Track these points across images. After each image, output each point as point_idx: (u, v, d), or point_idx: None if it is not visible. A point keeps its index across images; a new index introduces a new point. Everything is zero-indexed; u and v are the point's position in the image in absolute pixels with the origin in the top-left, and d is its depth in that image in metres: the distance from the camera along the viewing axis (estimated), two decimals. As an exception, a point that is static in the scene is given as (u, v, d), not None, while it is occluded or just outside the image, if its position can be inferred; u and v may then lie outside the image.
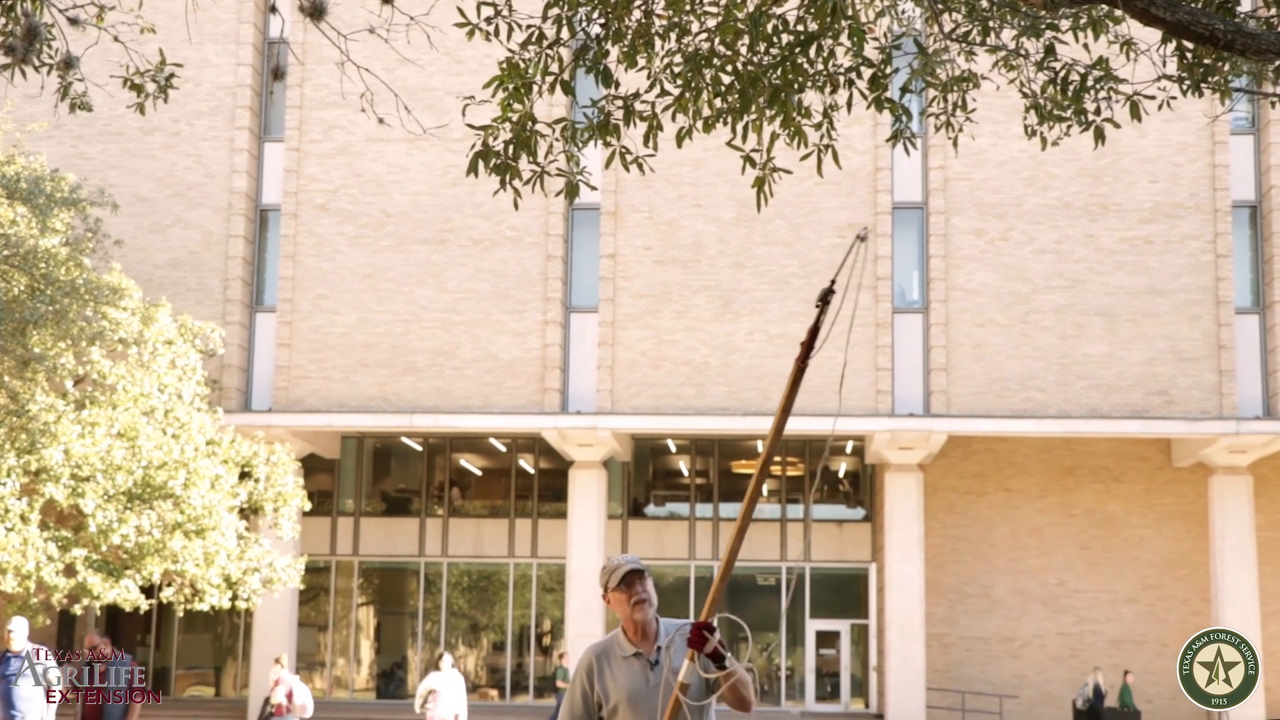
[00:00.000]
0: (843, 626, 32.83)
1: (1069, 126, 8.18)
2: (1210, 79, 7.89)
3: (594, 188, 7.93)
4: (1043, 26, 7.71)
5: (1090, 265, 29.07)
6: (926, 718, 29.29)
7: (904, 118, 7.80)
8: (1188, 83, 7.92)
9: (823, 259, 29.07)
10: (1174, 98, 8.57)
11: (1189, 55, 7.85)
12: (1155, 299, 28.89)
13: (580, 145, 7.75)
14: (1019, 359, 28.91)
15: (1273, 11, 7.85)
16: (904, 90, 8.15)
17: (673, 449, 33.84)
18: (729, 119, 7.58)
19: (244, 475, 25.35)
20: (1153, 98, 8.22)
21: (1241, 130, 29.86)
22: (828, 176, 24.04)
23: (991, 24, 7.92)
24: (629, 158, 7.71)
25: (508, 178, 7.45)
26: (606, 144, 7.66)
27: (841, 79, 7.61)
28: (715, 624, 5.19)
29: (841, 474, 34.40)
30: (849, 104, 7.73)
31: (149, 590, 24.88)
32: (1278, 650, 29.51)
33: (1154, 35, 8.82)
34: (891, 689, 29.06)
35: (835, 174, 27.25)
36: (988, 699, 30.65)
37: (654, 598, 5.45)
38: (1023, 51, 8.13)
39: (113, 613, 32.57)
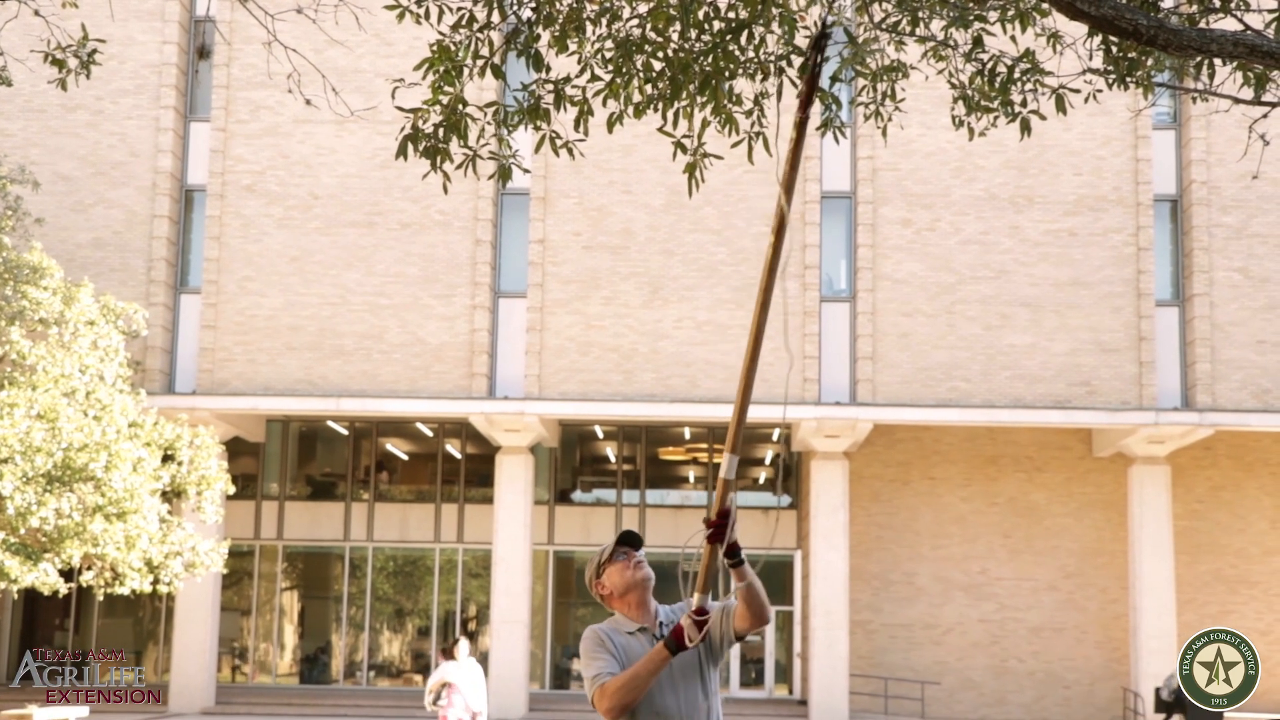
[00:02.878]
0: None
1: (995, 118, 8.25)
2: (1134, 74, 8.00)
3: (526, 170, 7.91)
4: (971, 18, 7.77)
5: (1015, 256, 29.38)
6: (850, 704, 29.54)
7: (833, 106, 7.84)
8: (1113, 76, 8.02)
9: (751, 247, 29.17)
10: (1099, 91, 8.68)
11: (1114, 49, 7.95)
12: (1078, 290, 29.25)
13: (510, 129, 7.73)
14: (944, 349, 29.17)
15: (1194, 8, 7.96)
16: (833, 79, 8.20)
17: (600, 435, 33.86)
18: (660, 105, 7.59)
19: (167, 458, 25.07)
20: (1078, 91, 8.32)
21: (1164, 125, 30.29)
22: (757, 165, 24.14)
23: (921, 14, 7.98)
24: (559, 142, 7.70)
25: (438, 161, 7.41)
26: (537, 128, 7.65)
27: (772, 67, 7.64)
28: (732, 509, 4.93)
29: (768, 461, 34.60)
30: (779, 92, 7.76)
31: (68, 574, 24.56)
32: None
33: (1080, 29, 8.93)
34: (815, 675, 29.27)
35: (765, 163, 27.28)
36: (910, 685, 30.97)
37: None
38: (951, 42, 8.19)
39: (31, 596, 32.15)
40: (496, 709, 29.21)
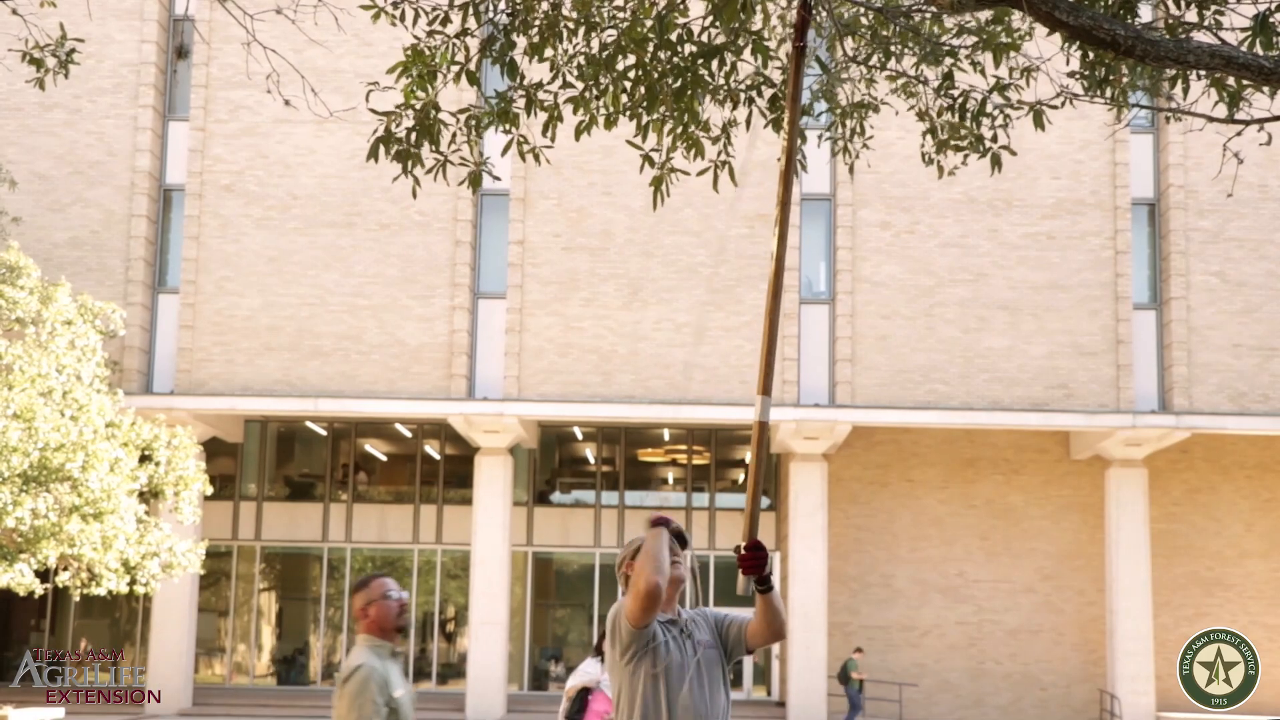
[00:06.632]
0: (746, 614, 32.99)
1: (966, 156, 8.28)
2: (1110, 84, 8.01)
3: (497, 178, 7.90)
4: (943, 53, 7.80)
5: (993, 259, 29.45)
6: (827, 705, 29.57)
7: (801, 141, 7.88)
8: (1087, 83, 8.04)
9: (731, 249, 29.19)
10: (1076, 95, 8.70)
11: (1089, 56, 7.97)
12: (1056, 294, 29.33)
13: (480, 131, 7.71)
14: (923, 351, 29.23)
15: (1170, 21, 7.98)
16: (804, 113, 8.20)
17: (579, 436, 33.83)
18: (633, 113, 7.59)
19: (144, 458, 24.92)
20: (1056, 107, 8.34)
21: (1141, 129, 30.38)
22: (737, 167, 24.16)
23: (894, 48, 8.00)
24: (526, 147, 7.69)
25: (409, 165, 7.40)
26: (506, 131, 7.63)
27: (742, 96, 7.66)
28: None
29: (746, 462, 34.59)
30: (748, 121, 7.79)
31: (44, 574, 24.43)
32: (1168, 639, 30.13)
33: (1051, 49, 8.95)
34: (793, 677, 29.31)
35: (745, 164, 27.33)
36: (888, 687, 31.01)
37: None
38: (922, 79, 8.22)
39: (6, 597, 31.97)
40: (473, 710, 29.15)
